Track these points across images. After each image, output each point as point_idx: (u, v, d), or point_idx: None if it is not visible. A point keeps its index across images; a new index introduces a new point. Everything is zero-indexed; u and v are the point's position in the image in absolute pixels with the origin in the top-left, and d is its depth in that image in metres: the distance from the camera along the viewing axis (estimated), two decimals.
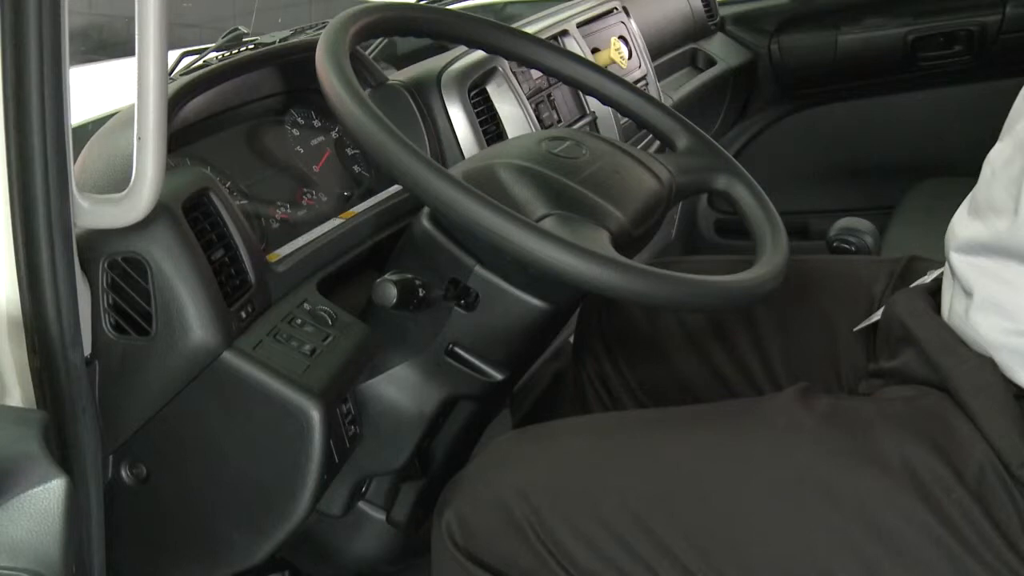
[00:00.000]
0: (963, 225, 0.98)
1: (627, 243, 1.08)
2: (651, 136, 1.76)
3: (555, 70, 1.33)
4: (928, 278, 1.08)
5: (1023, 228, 0.89)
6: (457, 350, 1.12)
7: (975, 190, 0.99)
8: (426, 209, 1.11)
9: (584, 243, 0.97)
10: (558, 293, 1.08)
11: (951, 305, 0.98)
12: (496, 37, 1.29)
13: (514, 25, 1.70)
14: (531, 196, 1.07)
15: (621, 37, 1.92)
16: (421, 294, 1.07)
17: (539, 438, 1.09)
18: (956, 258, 0.97)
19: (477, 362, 1.13)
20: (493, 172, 1.09)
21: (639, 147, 1.37)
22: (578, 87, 1.38)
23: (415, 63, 1.54)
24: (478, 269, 1.08)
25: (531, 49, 1.31)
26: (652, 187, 1.16)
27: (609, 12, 1.95)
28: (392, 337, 1.14)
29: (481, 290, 1.08)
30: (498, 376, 1.14)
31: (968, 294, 0.94)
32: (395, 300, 1.04)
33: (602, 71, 1.34)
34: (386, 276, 1.06)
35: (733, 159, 1.23)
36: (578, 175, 1.11)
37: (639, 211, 1.12)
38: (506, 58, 1.47)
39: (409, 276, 1.06)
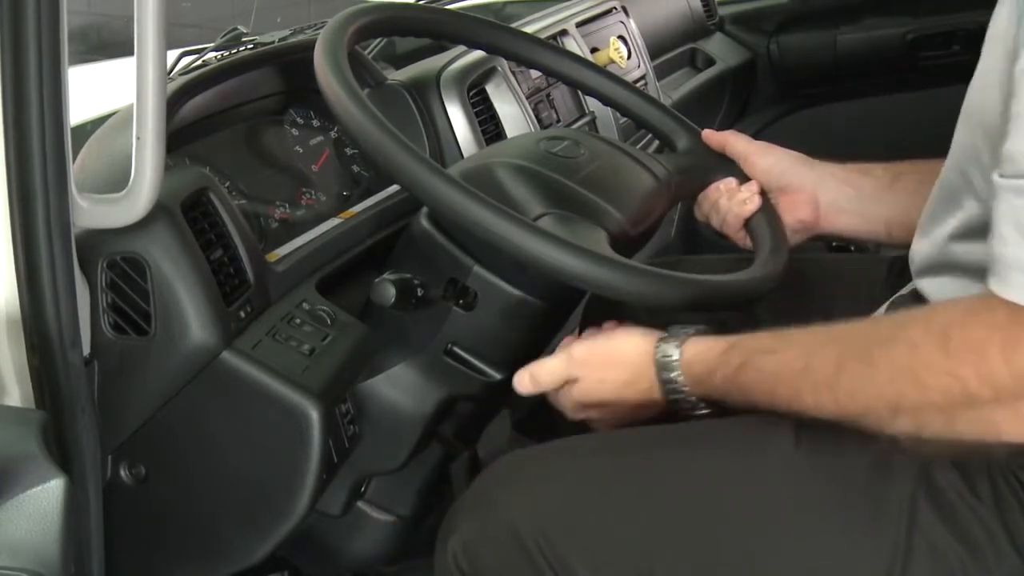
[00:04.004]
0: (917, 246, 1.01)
1: (626, 243, 1.08)
2: (650, 136, 1.76)
3: (555, 70, 1.33)
4: None
5: (967, 246, 0.92)
6: (456, 350, 1.12)
7: (926, 214, 1.01)
8: (425, 208, 1.11)
9: (581, 242, 0.97)
10: (556, 292, 1.09)
11: None
12: (495, 37, 1.29)
13: (513, 25, 1.70)
14: (529, 195, 1.07)
15: (620, 37, 1.92)
16: (420, 294, 1.07)
17: (546, 459, 1.07)
18: (920, 283, 1.00)
19: (476, 362, 1.13)
20: (491, 171, 1.09)
21: (638, 147, 1.37)
22: (578, 87, 1.38)
23: (414, 63, 1.54)
24: (477, 269, 1.07)
25: (531, 49, 1.31)
26: (651, 187, 1.16)
27: (608, 12, 1.95)
28: (391, 337, 1.14)
29: (480, 289, 1.08)
30: (497, 376, 1.13)
31: None
32: (394, 300, 1.04)
33: (602, 71, 1.34)
34: (384, 276, 1.06)
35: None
36: (576, 174, 1.11)
37: (637, 211, 1.12)
38: (505, 58, 1.47)
39: (408, 276, 1.07)
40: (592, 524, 0.97)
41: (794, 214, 1.20)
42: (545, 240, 0.94)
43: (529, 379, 1.04)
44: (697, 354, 0.97)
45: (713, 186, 1.23)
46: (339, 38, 1.06)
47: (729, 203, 1.20)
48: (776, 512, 0.92)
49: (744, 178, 1.22)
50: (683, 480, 0.97)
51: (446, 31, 1.27)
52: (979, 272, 0.91)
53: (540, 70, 1.39)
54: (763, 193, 1.20)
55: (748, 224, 1.19)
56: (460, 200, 0.94)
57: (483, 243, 0.96)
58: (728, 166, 1.23)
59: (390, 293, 1.04)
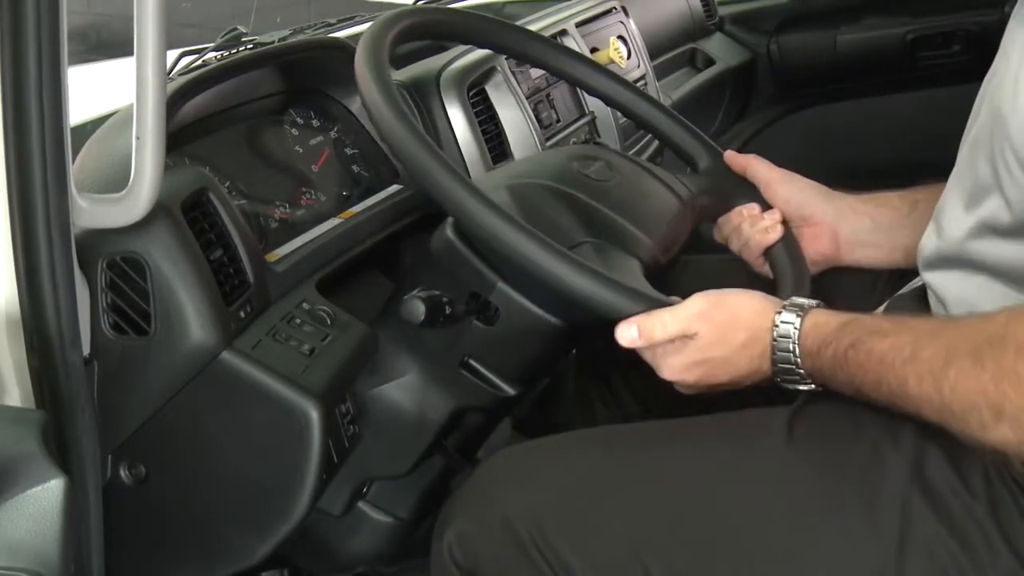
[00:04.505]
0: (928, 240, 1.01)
1: (657, 272, 1.09)
2: (649, 137, 1.76)
3: (589, 85, 1.33)
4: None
5: (979, 242, 0.92)
6: (472, 363, 1.12)
7: (938, 208, 1.01)
8: (450, 220, 1.11)
9: (619, 275, 0.98)
10: (581, 316, 1.08)
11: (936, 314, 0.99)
12: (542, 52, 1.29)
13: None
14: (566, 221, 1.08)
15: (620, 37, 1.92)
16: (448, 311, 1.06)
17: (541, 453, 1.07)
18: (926, 276, 1.00)
19: (491, 376, 1.12)
20: (530, 193, 1.10)
21: (636, 149, 1.37)
22: (606, 102, 1.37)
23: (414, 63, 1.54)
24: (501, 285, 1.07)
25: (572, 65, 1.31)
26: (677, 210, 1.17)
27: (608, 12, 1.95)
28: (407, 346, 1.14)
29: (502, 305, 1.08)
30: (511, 391, 1.13)
31: (943, 305, 0.96)
32: (423, 317, 1.04)
33: (630, 86, 1.33)
34: (414, 293, 1.05)
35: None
36: (608, 198, 1.12)
37: (666, 237, 1.13)
38: (550, 72, 1.46)
39: (436, 293, 1.06)
40: (586, 517, 0.98)
41: (815, 246, 1.20)
42: (590, 277, 0.95)
43: (638, 332, 0.97)
44: (814, 326, 0.93)
45: (735, 210, 1.23)
46: (380, 43, 1.06)
47: (751, 230, 1.20)
48: (769, 508, 0.93)
49: (766, 204, 1.22)
50: (677, 474, 0.98)
51: (494, 41, 1.27)
52: (995, 270, 0.91)
53: (578, 86, 1.39)
54: (785, 223, 1.20)
55: (769, 253, 1.19)
56: (507, 231, 0.95)
57: (526, 274, 0.97)
58: (750, 190, 1.23)
59: (420, 311, 1.04)
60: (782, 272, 1.14)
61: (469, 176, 1.37)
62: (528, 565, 0.96)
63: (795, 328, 0.94)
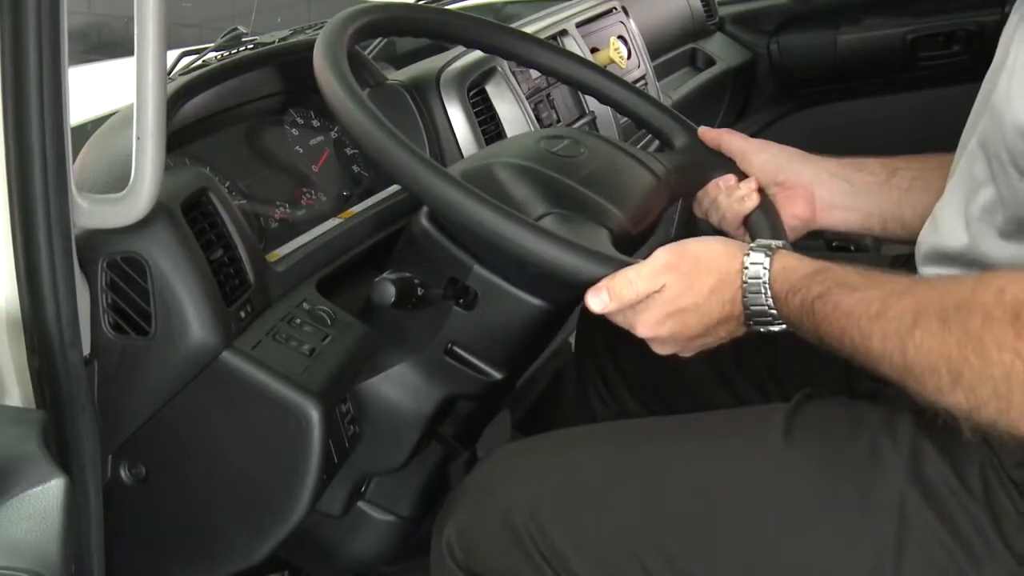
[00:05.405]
0: (928, 237, 1.01)
1: (627, 241, 1.09)
2: (649, 136, 1.76)
3: (553, 69, 1.33)
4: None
5: (977, 240, 0.92)
6: (456, 349, 1.12)
7: (938, 204, 1.01)
8: (425, 208, 1.11)
9: (584, 241, 0.97)
10: (557, 292, 1.09)
11: None
12: (494, 37, 1.29)
13: (513, 25, 1.70)
14: (530, 195, 1.07)
15: (620, 37, 1.92)
16: (419, 293, 1.07)
17: (541, 449, 1.08)
18: (924, 271, 0.99)
19: (476, 361, 1.13)
20: (491, 171, 1.10)
21: (638, 147, 1.37)
22: (576, 86, 1.38)
23: (414, 63, 1.54)
24: (477, 268, 1.07)
25: (529, 49, 1.31)
26: (650, 185, 1.17)
27: (608, 12, 1.95)
28: (391, 336, 1.14)
29: (480, 289, 1.08)
30: (497, 375, 1.13)
31: None
32: (393, 299, 1.04)
33: (599, 70, 1.34)
34: (384, 275, 1.06)
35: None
36: (577, 174, 1.11)
37: (638, 209, 1.12)
38: (504, 58, 1.47)
39: (407, 275, 1.07)
40: (584, 512, 0.98)
41: (791, 210, 1.20)
42: (547, 239, 0.94)
43: (608, 295, 0.95)
44: (783, 269, 0.92)
45: (712, 183, 1.23)
46: (338, 38, 1.07)
47: (728, 200, 1.20)
48: (766, 504, 0.93)
49: (742, 175, 1.22)
50: (675, 471, 0.98)
51: (446, 32, 1.27)
52: (991, 268, 0.91)
53: (538, 69, 1.39)
54: (761, 190, 1.20)
55: (747, 221, 1.19)
56: (461, 200, 0.95)
57: (485, 243, 0.96)
58: (726, 163, 1.24)
59: (390, 292, 1.04)
60: (760, 236, 1.15)
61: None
62: (526, 560, 0.97)
63: (765, 268, 0.92)
